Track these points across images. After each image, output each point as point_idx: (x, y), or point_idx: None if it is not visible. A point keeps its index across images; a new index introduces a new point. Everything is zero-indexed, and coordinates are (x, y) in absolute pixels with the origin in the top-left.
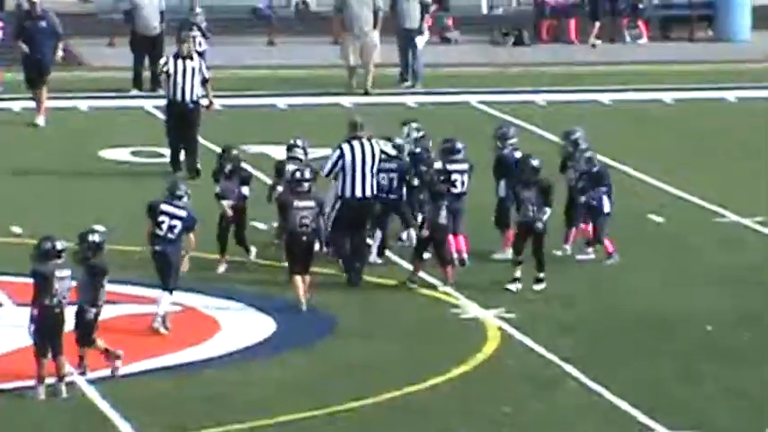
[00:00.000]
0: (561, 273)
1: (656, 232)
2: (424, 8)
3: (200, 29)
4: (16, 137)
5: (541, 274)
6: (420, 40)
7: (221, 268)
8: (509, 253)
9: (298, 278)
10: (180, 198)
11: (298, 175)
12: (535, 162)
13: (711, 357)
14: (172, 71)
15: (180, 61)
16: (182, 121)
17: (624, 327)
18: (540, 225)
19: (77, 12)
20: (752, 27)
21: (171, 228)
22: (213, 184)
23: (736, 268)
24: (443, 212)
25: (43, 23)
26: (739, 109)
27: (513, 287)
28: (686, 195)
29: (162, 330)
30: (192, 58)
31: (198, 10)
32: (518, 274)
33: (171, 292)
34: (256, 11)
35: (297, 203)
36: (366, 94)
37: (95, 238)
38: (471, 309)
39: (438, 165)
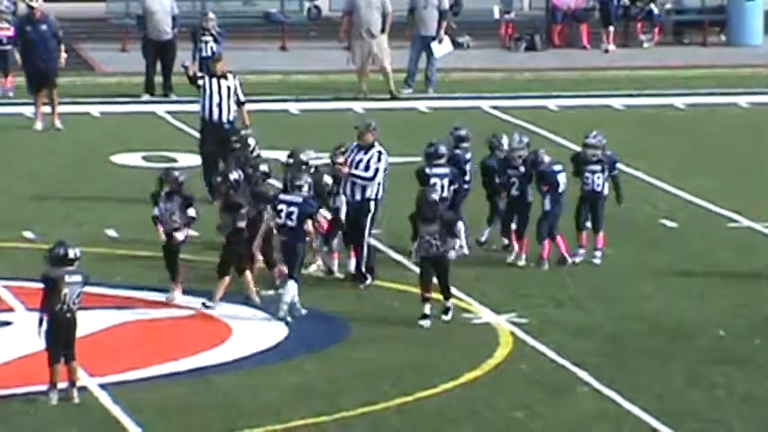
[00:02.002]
0: (573, 278)
1: (669, 237)
2: (442, 15)
3: (212, 34)
4: (28, 141)
5: (449, 303)
6: (438, 49)
7: (175, 295)
8: (522, 258)
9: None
10: (300, 188)
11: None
12: (434, 196)
13: (724, 363)
14: (208, 90)
15: (215, 80)
16: (217, 142)
17: (636, 332)
18: (452, 256)
19: (89, 17)
20: (764, 32)
21: (289, 215)
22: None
23: (749, 273)
24: (267, 216)
25: (44, 27)
26: (752, 114)
27: (425, 323)
28: (699, 200)
29: (288, 318)
30: (227, 78)
31: (210, 15)
32: (427, 310)
33: (296, 281)
34: (269, 16)
35: (223, 213)
36: (393, 98)
37: None
38: (483, 313)
39: (264, 167)
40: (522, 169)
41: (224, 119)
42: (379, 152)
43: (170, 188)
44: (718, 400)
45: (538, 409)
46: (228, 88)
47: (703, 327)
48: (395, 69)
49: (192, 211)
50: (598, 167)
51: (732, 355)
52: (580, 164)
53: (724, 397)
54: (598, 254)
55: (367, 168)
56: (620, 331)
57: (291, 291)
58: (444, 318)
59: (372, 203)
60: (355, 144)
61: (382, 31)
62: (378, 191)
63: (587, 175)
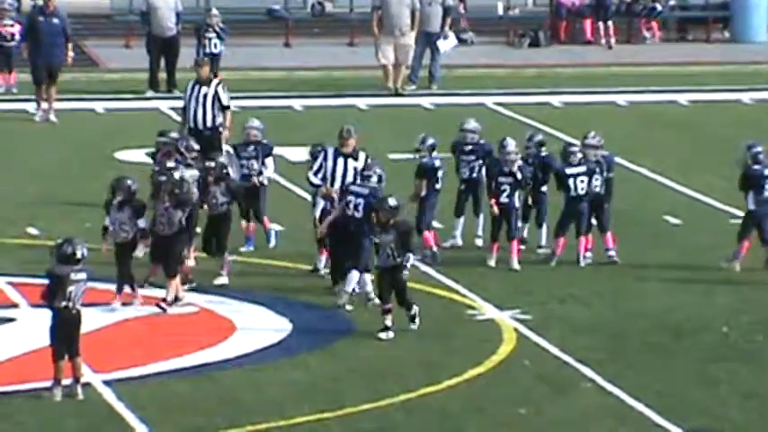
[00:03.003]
0: (577, 274)
1: (672, 233)
2: (447, 11)
3: (215, 31)
4: (32, 138)
5: (412, 311)
6: (443, 44)
7: (116, 304)
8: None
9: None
10: (368, 178)
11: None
12: (392, 201)
13: (727, 359)
14: (188, 96)
15: (197, 87)
16: (203, 147)
17: (639, 328)
18: (406, 273)
19: (93, 13)
20: None
21: (356, 206)
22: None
23: (752, 270)
24: (176, 219)
25: (56, 21)
26: (755, 110)
27: (384, 335)
28: (702, 197)
29: (348, 308)
30: (208, 84)
31: (214, 11)
32: (389, 322)
33: (361, 272)
34: (272, 12)
35: (171, 210)
36: (397, 94)
37: None
38: (487, 310)
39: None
40: (519, 175)
41: (200, 125)
42: (367, 155)
43: (122, 197)
44: (722, 397)
45: (541, 406)
46: (205, 96)
47: (707, 323)
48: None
49: (142, 222)
50: (597, 168)
51: (736, 351)
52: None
53: (728, 393)
54: (612, 253)
55: (369, 179)
56: (624, 328)
57: (353, 280)
58: (412, 326)
59: None
60: (333, 150)
61: (412, 27)
62: None
63: None
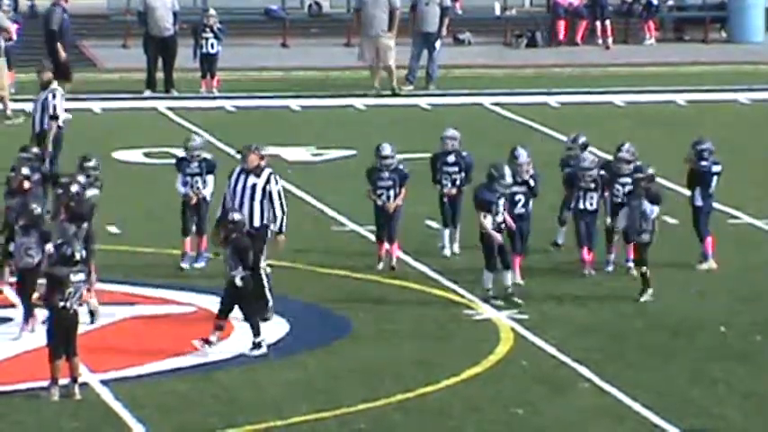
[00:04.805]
0: (574, 274)
1: (670, 234)
2: (444, 12)
3: (212, 31)
4: (29, 138)
5: (257, 339)
6: (437, 44)
7: (28, 329)
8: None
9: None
10: (502, 178)
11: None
12: (235, 216)
13: (725, 359)
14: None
15: (40, 91)
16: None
17: (637, 328)
18: (238, 281)
19: (90, 13)
20: (765, 29)
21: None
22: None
23: (750, 270)
24: (70, 233)
25: (65, 16)
26: (752, 110)
27: (198, 343)
28: None
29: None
30: (45, 89)
31: (211, 11)
32: (213, 337)
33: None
34: (269, 12)
35: (65, 224)
36: (394, 94)
37: None
38: (484, 310)
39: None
40: (533, 183)
41: (32, 131)
42: (270, 174)
43: (25, 221)
44: (720, 397)
45: (539, 406)
46: (38, 103)
47: (704, 323)
48: (396, 66)
49: (49, 247)
50: (629, 180)
51: (733, 351)
52: (611, 176)
53: (725, 393)
54: (630, 265)
55: (271, 198)
56: (622, 328)
57: (509, 276)
58: (252, 353)
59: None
60: (240, 168)
61: (390, 28)
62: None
63: (618, 187)
